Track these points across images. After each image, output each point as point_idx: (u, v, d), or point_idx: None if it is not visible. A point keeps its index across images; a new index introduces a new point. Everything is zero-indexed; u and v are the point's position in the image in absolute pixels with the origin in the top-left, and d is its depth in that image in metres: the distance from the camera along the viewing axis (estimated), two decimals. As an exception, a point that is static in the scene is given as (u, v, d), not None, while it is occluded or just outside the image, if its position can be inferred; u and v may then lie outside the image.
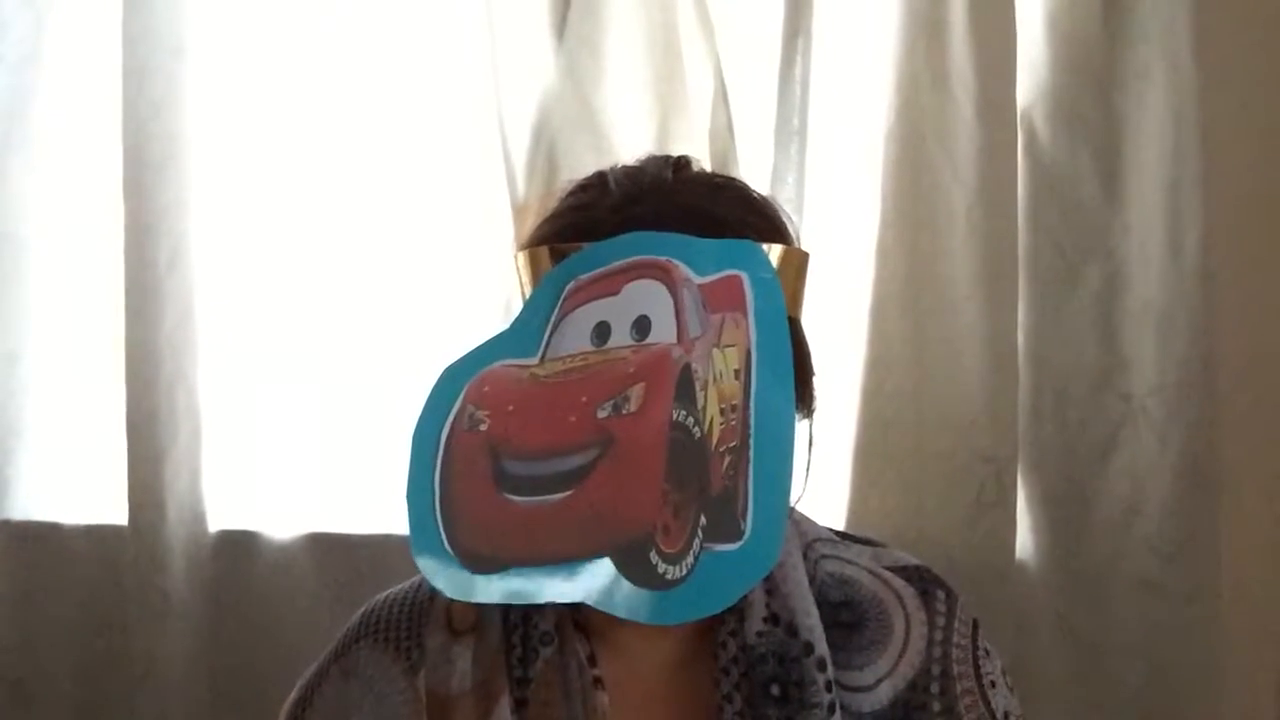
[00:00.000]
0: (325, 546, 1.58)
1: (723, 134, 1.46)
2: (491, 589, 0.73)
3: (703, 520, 0.74)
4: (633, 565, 0.72)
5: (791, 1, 1.46)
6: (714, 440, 0.75)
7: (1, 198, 1.64)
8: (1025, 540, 1.48)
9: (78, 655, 1.63)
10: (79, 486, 1.66)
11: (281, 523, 1.60)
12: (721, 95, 1.47)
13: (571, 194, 0.88)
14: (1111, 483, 1.46)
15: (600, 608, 0.72)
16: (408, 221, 1.58)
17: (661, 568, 0.72)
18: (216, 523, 1.60)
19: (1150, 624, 1.44)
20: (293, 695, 0.95)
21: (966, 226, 1.44)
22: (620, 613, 0.72)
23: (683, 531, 0.73)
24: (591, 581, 0.72)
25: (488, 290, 1.51)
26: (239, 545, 1.60)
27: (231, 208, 1.59)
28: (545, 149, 1.48)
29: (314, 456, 1.60)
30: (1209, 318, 1.42)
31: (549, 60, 1.48)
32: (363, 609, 0.95)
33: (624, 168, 0.88)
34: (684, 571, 0.73)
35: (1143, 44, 1.44)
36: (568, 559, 0.72)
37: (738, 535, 0.74)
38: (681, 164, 0.89)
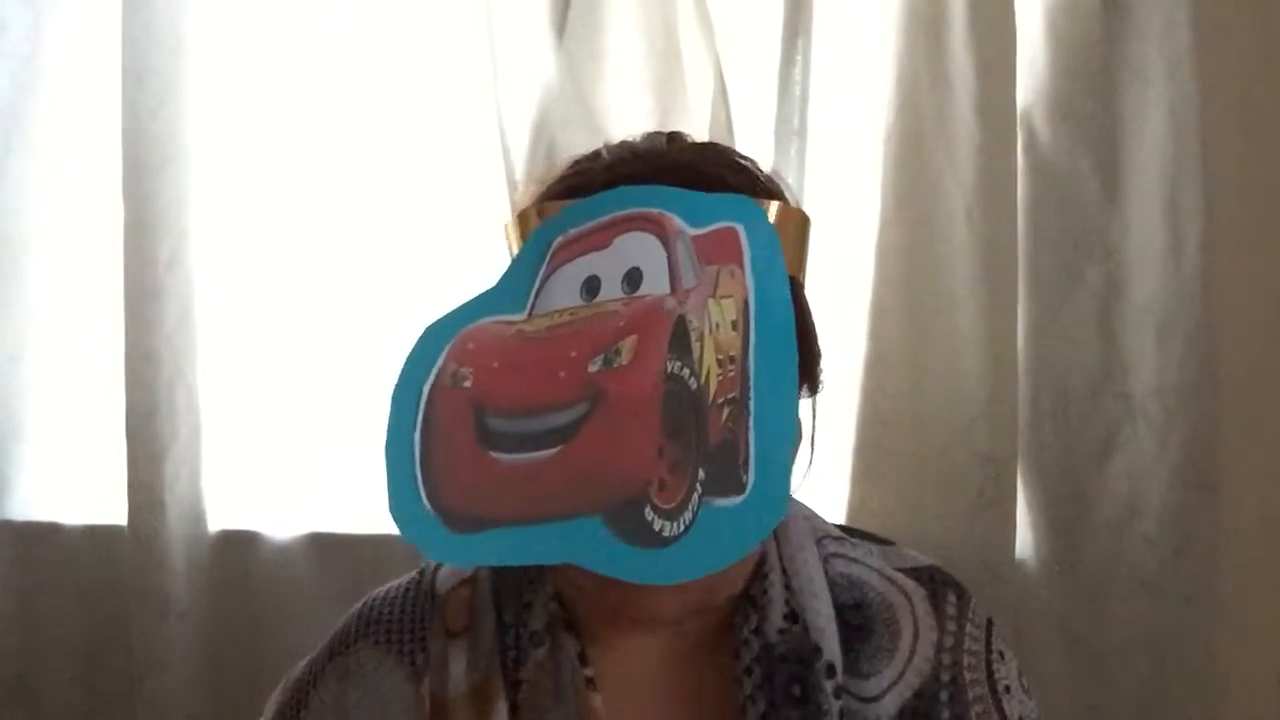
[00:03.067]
0: (325, 546, 1.59)
1: (723, 134, 1.46)
2: (475, 550, 0.70)
3: (701, 474, 0.70)
4: (627, 522, 0.68)
5: (791, 1, 1.46)
6: (711, 391, 0.72)
7: (1, 198, 1.64)
8: (1025, 540, 1.48)
9: (78, 655, 1.63)
10: (79, 486, 1.67)
11: (281, 523, 1.60)
12: (721, 95, 1.46)
13: (566, 168, 0.86)
14: (1111, 483, 1.46)
15: (593, 568, 0.68)
16: (407, 221, 1.58)
17: (658, 524, 0.68)
18: (216, 523, 1.60)
19: (1150, 624, 1.44)
20: (281, 693, 0.91)
21: (966, 226, 1.44)
22: (613, 572, 0.68)
23: (680, 486, 0.70)
24: (583, 540, 0.68)
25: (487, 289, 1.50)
26: (239, 545, 1.60)
27: (231, 207, 1.59)
28: (545, 149, 1.48)
29: (314, 456, 1.60)
30: (1209, 318, 1.42)
31: (549, 60, 1.48)
32: (359, 605, 0.91)
33: (620, 141, 0.86)
34: (682, 527, 0.69)
35: (1143, 44, 1.44)
36: (557, 517, 0.69)
37: (740, 488, 0.70)
38: (675, 136, 0.87)
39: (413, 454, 0.71)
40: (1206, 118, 1.41)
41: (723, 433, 0.71)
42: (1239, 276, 1.43)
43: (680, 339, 0.72)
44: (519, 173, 1.48)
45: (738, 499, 0.70)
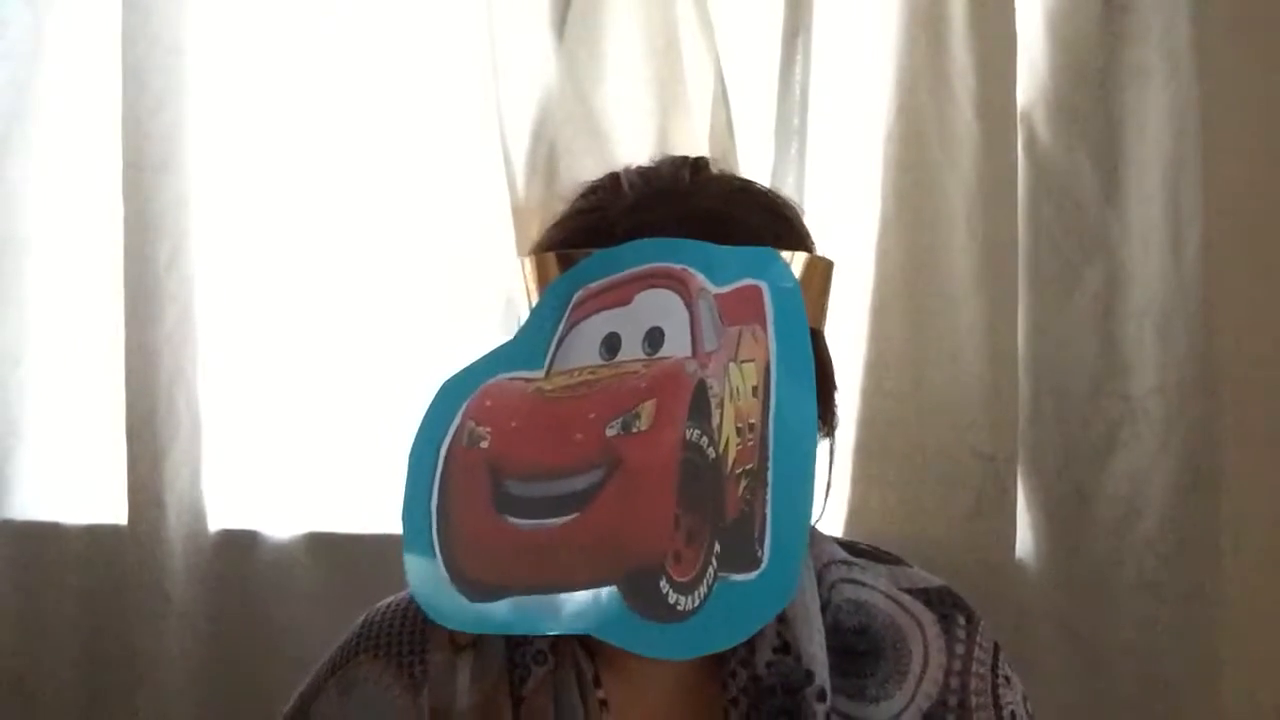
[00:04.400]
0: (325, 546, 1.58)
1: (723, 134, 1.46)
2: (490, 618, 0.69)
3: (717, 547, 0.69)
4: (642, 595, 0.67)
5: (791, 1, 1.46)
6: (730, 461, 0.71)
7: (1, 198, 1.64)
8: (1025, 540, 1.48)
9: (78, 655, 1.63)
10: (79, 486, 1.66)
11: (281, 522, 1.60)
12: (721, 95, 1.46)
13: (582, 196, 0.84)
14: (1111, 483, 1.46)
15: (607, 640, 0.68)
16: (407, 221, 1.58)
17: (673, 598, 0.68)
18: (216, 522, 1.60)
19: (1150, 624, 1.44)
20: (289, 707, 0.91)
21: (966, 226, 1.44)
22: (628, 645, 0.67)
23: (695, 559, 0.69)
24: (597, 611, 0.67)
25: (487, 290, 1.51)
26: (239, 545, 1.60)
27: (231, 207, 1.59)
28: (545, 149, 1.48)
29: (314, 456, 1.60)
30: (1209, 318, 1.42)
31: (549, 60, 1.48)
32: (362, 619, 0.92)
33: (639, 169, 0.84)
34: (697, 602, 0.68)
35: (1143, 44, 1.44)
36: (572, 587, 0.68)
37: (755, 564, 0.69)
38: (699, 165, 0.85)
39: (430, 517, 0.71)
40: (1207, 118, 1.41)
41: (739, 505, 0.70)
42: (1239, 276, 1.43)
43: (700, 405, 0.71)
44: (519, 173, 1.48)
45: (752, 574, 0.69)
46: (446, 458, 0.72)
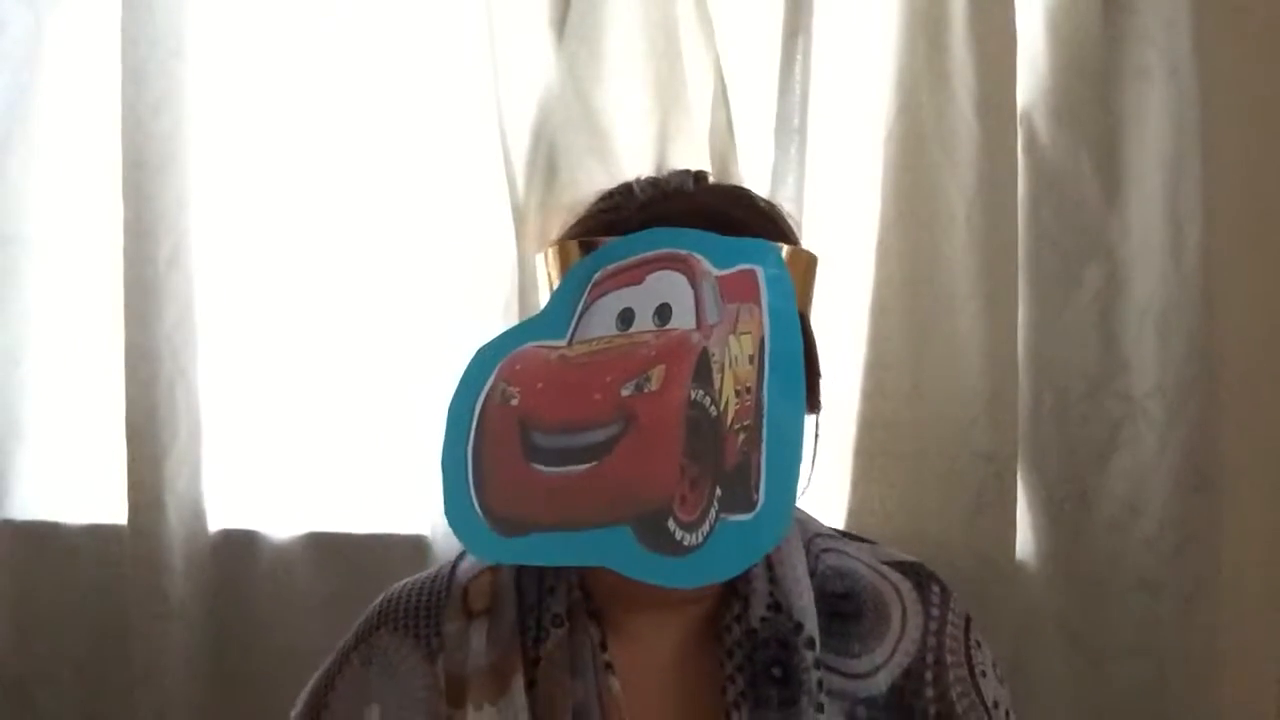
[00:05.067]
0: (325, 546, 1.58)
1: (723, 134, 1.46)
2: (518, 550, 0.78)
3: (718, 492, 0.79)
4: (652, 532, 0.77)
5: (791, 1, 1.46)
6: (729, 418, 0.80)
7: (1, 198, 1.64)
8: (1025, 540, 1.48)
9: (78, 655, 1.63)
10: (79, 486, 1.66)
11: (281, 523, 1.60)
12: (721, 95, 1.46)
13: (600, 200, 0.95)
14: (1111, 483, 1.46)
15: (620, 571, 0.77)
16: (407, 221, 1.58)
17: (679, 534, 0.77)
18: (216, 522, 1.60)
19: (1150, 624, 1.44)
20: (309, 685, 0.98)
21: (966, 227, 1.44)
22: (640, 576, 0.76)
23: (699, 502, 0.78)
24: (612, 546, 0.77)
25: (487, 289, 1.50)
26: (239, 545, 1.60)
27: (231, 207, 1.59)
28: (545, 149, 1.48)
29: (314, 456, 1.60)
30: (1209, 318, 1.42)
31: (549, 60, 1.48)
32: (381, 597, 0.99)
33: (649, 178, 0.95)
34: (700, 539, 0.78)
35: (1143, 44, 1.44)
36: (591, 525, 0.77)
37: (751, 506, 0.79)
38: (701, 176, 0.96)
39: (466, 462, 0.81)
40: (1206, 118, 1.41)
41: (738, 455, 0.80)
42: (1239, 276, 1.43)
43: (703, 370, 0.81)
44: (519, 173, 1.48)
45: (749, 515, 0.79)
46: (481, 413, 0.82)
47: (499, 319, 1.48)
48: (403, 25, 1.57)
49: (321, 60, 1.58)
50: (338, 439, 1.60)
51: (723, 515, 0.78)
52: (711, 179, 0.98)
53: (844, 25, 1.48)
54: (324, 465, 1.60)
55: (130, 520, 1.57)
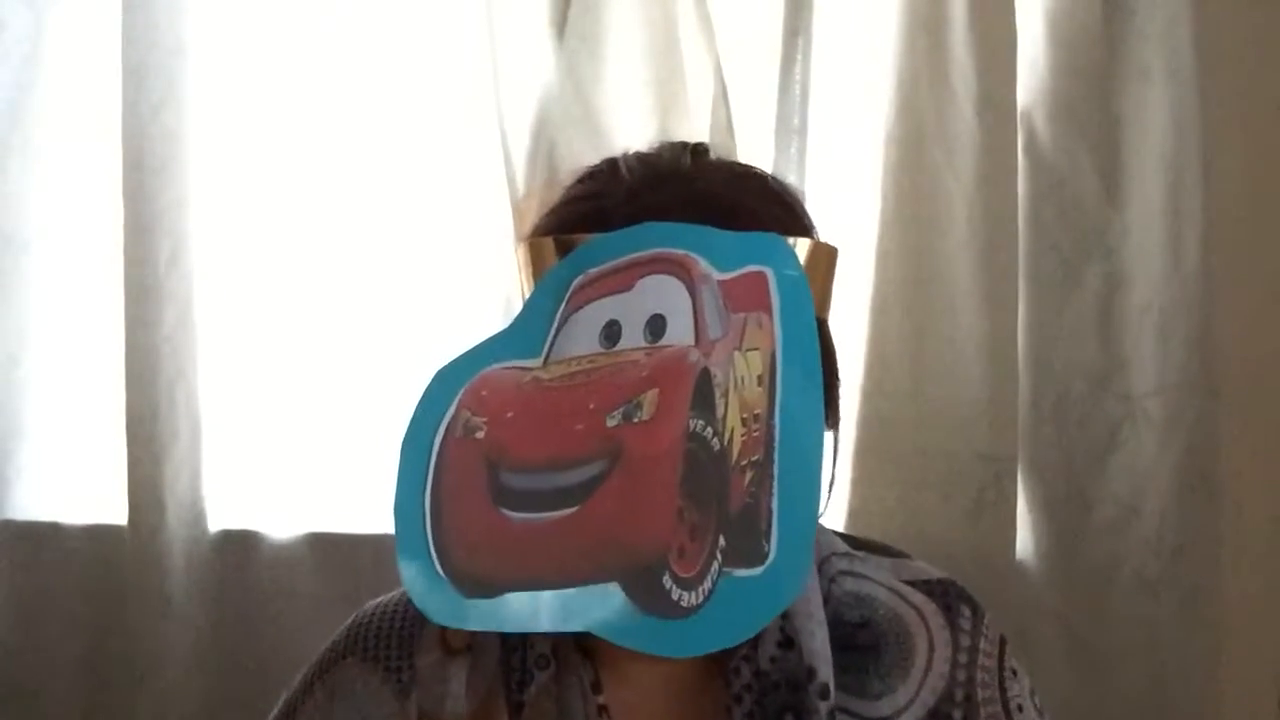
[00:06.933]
0: (325, 546, 1.58)
1: (723, 134, 1.46)
2: (486, 616, 0.65)
3: (721, 542, 0.66)
4: (644, 591, 0.64)
5: (791, 1, 1.46)
6: (734, 453, 0.68)
7: (1, 198, 1.64)
8: (1025, 540, 1.48)
9: (78, 655, 1.63)
10: (79, 486, 1.66)
11: (281, 523, 1.60)
12: (721, 95, 1.46)
13: (579, 181, 0.82)
14: (1111, 483, 1.46)
15: (609, 639, 0.64)
16: (407, 221, 1.58)
17: (676, 593, 0.64)
18: (216, 522, 1.60)
19: (1150, 624, 1.44)
20: (277, 708, 0.89)
21: (966, 227, 1.44)
22: (630, 643, 0.64)
23: (699, 554, 0.65)
24: (598, 608, 0.64)
25: (487, 289, 1.50)
26: (239, 545, 1.60)
27: (231, 208, 1.59)
28: (545, 149, 1.48)
29: (314, 456, 1.60)
30: (1209, 318, 1.42)
31: (549, 60, 1.48)
32: (350, 621, 0.89)
33: (637, 154, 0.81)
34: (701, 598, 0.65)
35: (1143, 44, 1.44)
36: (571, 583, 0.64)
37: (760, 558, 0.66)
38: (699, 150, 0.82)
39: (423, 511, 0.68)
40: (1207, 118, 1.41)
41: (744, 498, 0.67)
42: (1239, 276, 1.43)
43: (704, 395, 0.67)
44: (519, 173, 1.48)
45: (758, 569, 0.66)
46: (440, 448, 0.69)
47: (499, 318, 1.48)
48: (403, 25, 1.57)
49: (321, 61, 1.58)
50: (338, 439, 1.60)
51: (727, 570, 0.65)
52: (714, 154, 0.83)
53: (844, 25, 1.48)
54: (324, 465, 1.60)
55: (130, 520, 1.57)
